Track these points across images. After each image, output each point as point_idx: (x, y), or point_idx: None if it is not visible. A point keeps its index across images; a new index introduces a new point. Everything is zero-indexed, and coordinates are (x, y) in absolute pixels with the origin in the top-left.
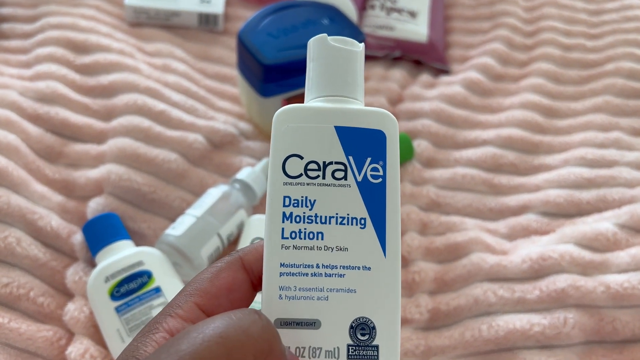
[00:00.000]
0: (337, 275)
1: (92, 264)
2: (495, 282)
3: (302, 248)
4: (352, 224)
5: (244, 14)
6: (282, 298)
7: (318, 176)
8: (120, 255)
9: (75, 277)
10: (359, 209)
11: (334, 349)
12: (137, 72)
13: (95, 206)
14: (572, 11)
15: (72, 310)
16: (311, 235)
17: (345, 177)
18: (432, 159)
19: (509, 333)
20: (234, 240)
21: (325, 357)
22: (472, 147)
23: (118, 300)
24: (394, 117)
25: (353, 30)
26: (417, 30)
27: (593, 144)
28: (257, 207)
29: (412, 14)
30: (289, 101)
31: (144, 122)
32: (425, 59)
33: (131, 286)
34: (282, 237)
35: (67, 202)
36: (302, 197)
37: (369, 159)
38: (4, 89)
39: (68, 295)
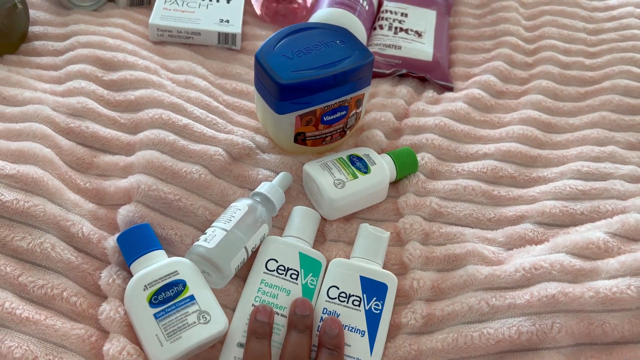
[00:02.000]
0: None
1: (124, 268)
2: (488, 291)
3: None
4: (356, 332)
5: (260, 33)
6: None
7: (344, 300)
8: (157, 265)
9: (109, 279)
10: (362, 324)
11: None
12: (161, 87)
13: (125, 213)
14: (571, 30)
15: (108, 310)
16: None
17: (359, 305)
18: (435, 171)
19: (499, 342)
20: (255, 251)
21: None
22: (474, 160)
23: (156, 307)
24: (395, 277)
25: (363, 52)
26: (423, 49)
27: (589, 157)
28: (275, 217)
29: (419, 34)
30: (301, 118)
31: (170, 137)
32: (430, 76)
33: (168, 294)
34: (317, 330)
35: (97, 210)
36: (333, 310)
37: (374, 298)
38: (39, 104)
39: (99, 295)
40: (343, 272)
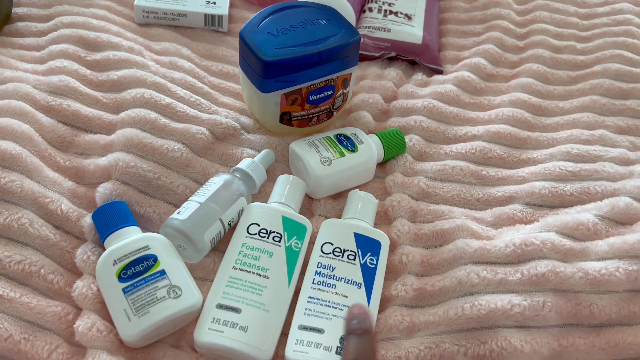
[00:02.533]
0: (338, 309)
1: (100, 245)
2: (479, 264)
3: (323, 291)
4: (352, 285)
5: (247, 15)
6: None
7: (339, 255)
8: (128, 239)
9: (84, 256)
10: (359, 277)
11: (329, 346)
12: (145, 68)
13: (103, 191)
14: (563, 14)
15: (81, 287)
16: (329, 285)
17: (354, 259)
18: (423, 153)
19: (491, 312)
20: (234, 226)
21: (324, 349)
22: (462, 142)
23: (125, 282)
24: (387, 236)
25: (349, 30)
26: (413, 32)
27: (579, 140)
28: (255, 195)
29: (408, 17)
30: (287, 96)
31: (150, 114)
32: (419, 59)
33: (137, 269)
34: (312, 283)
35: (77, 188)
36: (328, 264)
37: (369, 253)
38: (19, 82)
39: (76, 274)
40: (336, 230)
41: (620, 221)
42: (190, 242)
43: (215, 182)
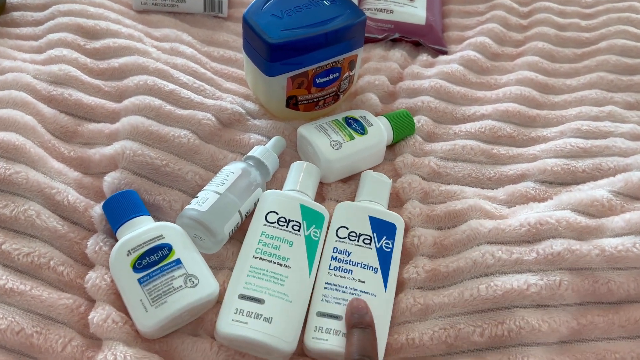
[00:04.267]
0: (356, 295)
1: (111, 236)
2: (493, 244)
3: (340, 277)
4: (369, 269)
5: (246, 0)
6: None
7: (354, 239)
8: (141, 229)
9: (96, 247)
10: (375, 262)
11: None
12: (146, 55)
13: (111, 180)
14: None
15: (94, 278)
16: (345, 270)
17: (370, 243)
18: (432, 134)
19: (507, 292)
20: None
21: (342, 336)
22: (471, 122)
23: (140, 272)
24: (402, 218)
25: (353, 10)
26: (416, 12)
27: (588, 117)
28: (268, 182)
29: None
30: (293, 80)
31: (155, 101)
32: (424, 40)
33: (152, 259)
34: (329, 269)
35: (83, 178)
36: (344, 249)
37: (384, 237)
38: (18, 72)
39: (86, 265)
40: (351, 213)
41: (635, 196)
42: (211, 234)
43: (233, 172)
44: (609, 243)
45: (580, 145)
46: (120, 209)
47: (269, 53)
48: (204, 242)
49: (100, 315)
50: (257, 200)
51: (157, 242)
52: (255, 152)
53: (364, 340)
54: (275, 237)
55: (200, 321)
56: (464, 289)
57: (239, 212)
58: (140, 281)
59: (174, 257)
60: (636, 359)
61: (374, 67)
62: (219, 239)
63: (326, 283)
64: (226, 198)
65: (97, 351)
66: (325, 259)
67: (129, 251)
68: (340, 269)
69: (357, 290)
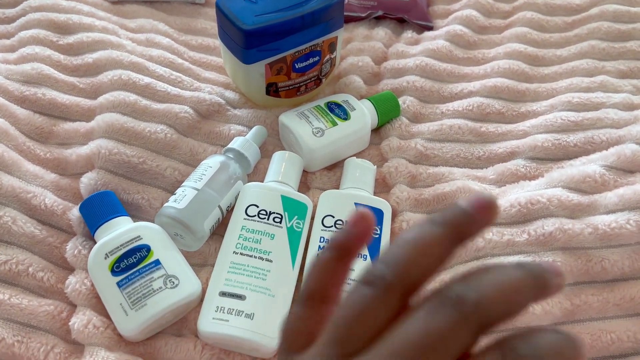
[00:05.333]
0: (347, 285)
1: (91, 238)
2: None
3: None
4: (359, 257)
5: None
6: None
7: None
8: (118, 231)
9: (75, 251)
10: (364, 250)
11: None
12: (120, 48)
13: (87, 181)
14: None
15: (74, 283)
16: None
17: None
18: (418, 114)
19: None
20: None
21: None
22: (458, 100)
23: (119, 275)
24: (388, 203)
25: None
26: None
27: (579, 88)
28: (250, 174)
29: None
30: (271, 66)
31: (130, 97)
32: (408, 16)
33: (130, 261)
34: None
35: (60, 180)
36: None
37: None
38: None
39: (67, 269)
40: (336, 202)
41: (628, 169)
42: (191, 232)
43: (211, 166)
44: (602, 220)
45: (572, 118)
46: (98, 210)
47: (244, 40)
48: (184, 240)
49: (81, 320)
50: (238, 194)
51: (135, 244)
52: (235, 143)
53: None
54: (256, 230)
55: (184, 321)
56: (454, 274)
57: (219, 207)
58: (119, 284)
59: (152, 258)
60: (632, 337)
61: (357, 47)
62: (199, 236)
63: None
64: (204, 193)
65: (80, 357)
66: (313, 249)
67: (106, 254)
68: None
69: (348, 279)
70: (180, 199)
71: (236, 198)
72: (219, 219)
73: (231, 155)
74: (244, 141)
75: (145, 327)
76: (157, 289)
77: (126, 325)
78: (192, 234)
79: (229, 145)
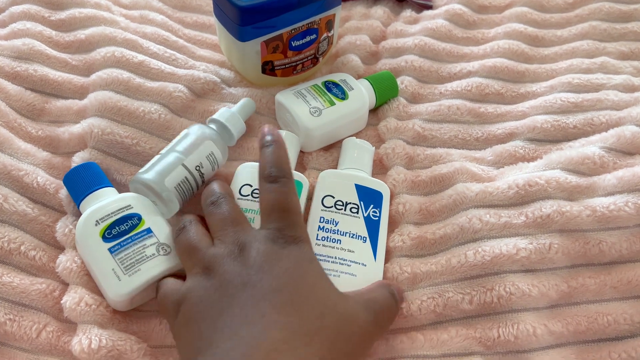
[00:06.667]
0: (346, 265)
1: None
2: (481, 208)
3: (328, 247)
4: (358, 239)
5: None
6: None
7: (341, 208)
8: (108, 199)
9: (65, 229)
10: (363, 231)
11: None
12: (114, 24)
13: (79, 160)
14: None
15: (64, 261)
16: (334, 240)
17: (357, 212)
18: (417, 94)
19: (495, 257)
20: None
21: None
22: (457, 80)
23: (111, 241)
24: (387, 186)
25: None
26: None
27: (579, 69)
28: (235, 150)
29: None
30: (267, 44)
31: (123, 74)
32: None
33: (122, 228)
34: (317, 239)
35: (52, 158)
36: (331, 218)
37: (371, 205)
38: None
39: (59, 248)
40: (336, 182)
41: (627, 151)
42: (150, 190)
43: (181, 134)
44: (601, 203)
45: (571, 99)
46: (82, 181)
47: (239, 17)
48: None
49: (73, 298)
50: (211, 154)
51: (126, 212)
52: (218, 114)
53: (273, 154)
54: (249, 209)
55: None
56: (451, 255)
57: (184, 165)
58: (111, 250)
59: (144, 227)
60: (629, 320)
61: (354, 26)
62: (164, 196)
63: (315, 254)
64: (166, 155)
65: (73, 335)
66: (312, 229)
67: (97, 221)
68: (329, 239)
69: (347, 260)
70: (145, 167)
71: (209, 159)
72: (186, 177)
73: (213, 126)
74: (227, 111)
75: (138, 292)
76: (150, 256)
77: (119, 290)
78: (154, 193)
79: (213, 116)
